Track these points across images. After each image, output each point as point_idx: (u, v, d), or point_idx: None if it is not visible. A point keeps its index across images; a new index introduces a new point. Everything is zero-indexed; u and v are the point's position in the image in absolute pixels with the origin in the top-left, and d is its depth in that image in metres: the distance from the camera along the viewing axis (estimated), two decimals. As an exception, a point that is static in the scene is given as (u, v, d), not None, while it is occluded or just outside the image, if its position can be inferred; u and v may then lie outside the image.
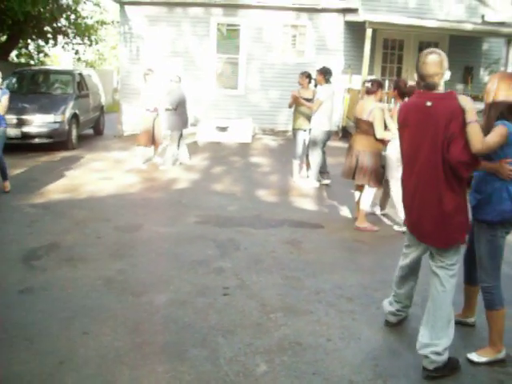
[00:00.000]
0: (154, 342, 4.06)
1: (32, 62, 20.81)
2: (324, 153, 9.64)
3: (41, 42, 20.33)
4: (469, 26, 14.59)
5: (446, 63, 3.73)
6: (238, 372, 3.69)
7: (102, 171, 10.42)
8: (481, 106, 4.13)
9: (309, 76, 9.74)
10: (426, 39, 16.26)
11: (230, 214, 7.73)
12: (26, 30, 18.57)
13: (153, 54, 15.71)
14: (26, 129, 11.95)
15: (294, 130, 9.89)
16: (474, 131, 3.54)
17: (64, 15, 19.46)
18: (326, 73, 9.22)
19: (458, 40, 15.91)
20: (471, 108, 3.58)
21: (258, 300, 4.82)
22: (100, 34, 23.70)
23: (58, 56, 32.26)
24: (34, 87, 13.99)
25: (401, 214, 6.71)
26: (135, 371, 3.67)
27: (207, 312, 4.56)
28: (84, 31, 20.84)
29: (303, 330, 4.30)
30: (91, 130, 15.70)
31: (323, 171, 9.74)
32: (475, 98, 10.17)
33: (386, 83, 16.06)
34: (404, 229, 5.72)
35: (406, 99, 6.28)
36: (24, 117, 11.96)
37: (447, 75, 3.76)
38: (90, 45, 21.97)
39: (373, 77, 14.10)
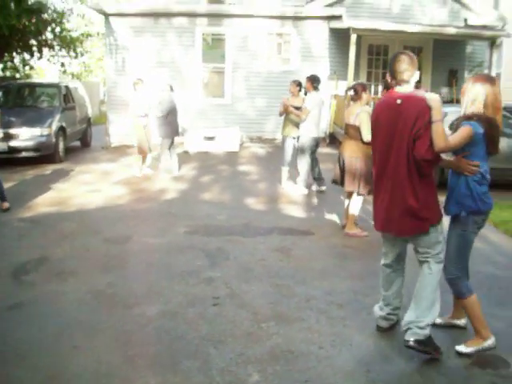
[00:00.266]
0: (145, 355, 4.04)
1: (17, 76, 20.74)
2: (317, 160, 9.67)
3: (26, 56, 20.24)
4: (452, 30, 14.72)
5: (415, 64, 4.01)
6: (231, 382, 3.68)
7: (90, 183, 10.39)
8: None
9: (299, 84, 9.79)
10: (411, 44, 16.37)
11: (219, 223, 7.73)
12: (11, 43, 18.52)
13: (139, 65, 15.70)
14: (12, 143, 11.91)
15: (283, 137, 9.92)
16: (438, 130, 3.73)
17: (49, 28, 19.42)
18: (313, 80, 9.27)
19: (442, 44, 16.06)
20: (437, 107, 3.76)
21: (249, 309, 4.82)
22: (85, 46, 23.65)
23: (44, 69, 32.17)
24: (19, 101, 13.93)
25: None
26: (127, 384, 3.66)
27: (198, 323, 4.55)
28: (69, 43, 20.79)
29: (295, 337, 4.30)
30: (78, 142, 15.66)
31: (319, 178, 9.75)
32: (459, 101, 10.23)
33: (372, 88, 16.17)
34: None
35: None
36: (10, 131, 11.91)
37: (416, 75, 4.00)
38: (76, 57, 21.91)
39: (357, 81, 14.18)
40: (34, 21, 17.63)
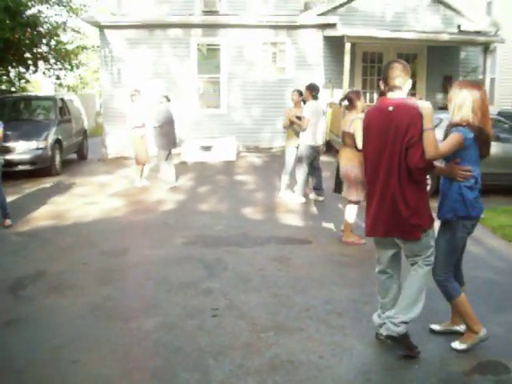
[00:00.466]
0: (144, 368, 4.02)
1: (13, 89, 20.74)
2: (319, 169, 9.67)
3: (21, 69, 20.24)
4: (446, 37, 14.79)
5: (408, 72, 4.05)
6: (230, 394, 3.66)
7: (87, 196, 10.38)
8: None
9: (301, 93, 9.81)
10: (405, 51, 16.44)
11: (216, 233, 7.72)
12: (6, 57, 18.54)
13: (134, 77, 15.71)
14: (8, 156, 11.87)
15: (286, 147, 10.01)
16: (429, 139, 3.77)
17: (44, 41, 19.44)
18: (312, 89, 9.30)
19: (436, 50, 16.12)
20: (429, 115, 3.80)
21: (248, 320, 4.80)
22: (81, 58, 23.65)
23: (39, 82, 32.19)
24: (15, 114, 13.93)
25: None
26: (126, 398, 3.64)
27: (197, 334, 4.52)
28: (65, 56, 20.80)
29: (295, 347, 4.28)
30: (75, 154, 15.65)
31: (318, 188, 9.75)
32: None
33: (367, 96, 16.22)
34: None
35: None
36: (6, 144, 11.88)
37: (409, 83, 4.04)
38: (71, 70, 21.91)
39: (350, 89, 14.20)
40: (28, 33, 17.63)
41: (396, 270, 4.32)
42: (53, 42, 19.82)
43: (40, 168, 12.35)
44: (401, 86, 3.99)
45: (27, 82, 21.25)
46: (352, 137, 6.96)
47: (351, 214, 7.17)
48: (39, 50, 19.27)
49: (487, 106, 4.07)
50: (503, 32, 16.51)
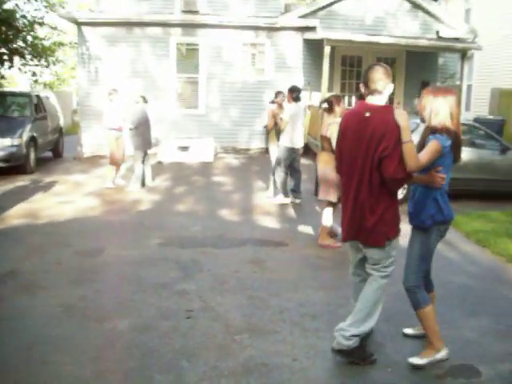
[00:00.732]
0: (117, 370, 3.98)
1: (-13, 85, 20.49)
2: (299, 172, 9.69)
3: (-4, 64, 19.98)
4: (424, 42, 14.93)
5: (390, 76, 3.98)
6: (204, 397, 3.64)
7: (61, 195, 10.25)
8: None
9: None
10: (384, 55, 16.52)
11: (192, 234, 7.69)
12: (-19, 52, 18.30)
13: (112, 75, 15.57)
14: (-18, 153, 11.72)
15: (269, 147, 10.10)
16: (409, 152, 3.72)
17: (20, 36, 19.20)
18: (293, 91, 9.32)
19: (415, 56, 16.26)
20: (406, 126, 3.74)
21: (222, 322, 4.78)
22: (58, 55, 23.39)
23: (15, 78, 31.76)
24: (-11, 110, 13.72)
25: None
26: (98, 401, 3.60)
27: (171, 336, 4.49)
28: (41, 53, 20.55)
29: (268, 350, 4.28)
30: (50, 152, 15.46)
31: (295, 190, 9.76)
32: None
33: (346, 99, 16.31)
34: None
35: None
36: (-20, 141, 11.72)
37: (390, 87, 3.96)
38: (48, 66, 21.65)
39: (332, 93, 14.27)
40: (3, 29, 17.39)
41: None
42: (29, 38, 19.57)
43: (14, 166, 12.16)
44: (381, 90, 3.91)
45: (2, 77, 20.93)
46: (329, 141, 7.00)
47: (328, 216, 7.19)
48: (15, 46, 18.99)
49: (460, 111, 4.11)
50: (481, 39, 16.73)
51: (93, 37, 15.72)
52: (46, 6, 20.24)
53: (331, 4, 16.13)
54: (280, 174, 9.46)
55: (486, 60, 18.65)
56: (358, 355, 4.06)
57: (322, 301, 5.31)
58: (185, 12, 16.10)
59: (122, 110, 10.89)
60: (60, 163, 14.77)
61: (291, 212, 9.17)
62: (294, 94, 9.29)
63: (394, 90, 16.50)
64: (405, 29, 16.37)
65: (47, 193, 10.44)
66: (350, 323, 4.04)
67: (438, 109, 3.93)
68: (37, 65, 20.85)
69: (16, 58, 19.78)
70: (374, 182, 3.85)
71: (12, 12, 17.64)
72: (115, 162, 10.92)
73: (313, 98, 15.73)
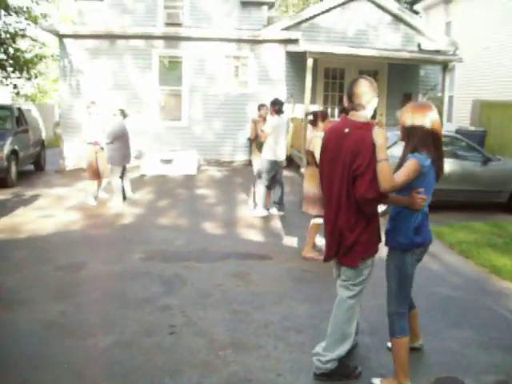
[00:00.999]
0: (98, 388, 3.91)
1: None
2: (282, 184, 9.68)
3: (-23, 77, 19.84)
4: (406, 54, 15.06)
5: (375, 90, 3.86)
6: (187, 415, 3.58)
7: (43, 208, 10.13)
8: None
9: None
10: (366, 68, 16.64)
11: (175, 248, 7.62)
12: (-38, 64, 18.19)
13: (94, 88, 15.52)
14: (-38, 167, 11.56)
15: (252, 160, 10.04)
16: (383, 171, 3.59)
17: (1, 49, 19.10)
18: (275, 104, 9.31)
19: (397, 68, 16.38)
20: (382, 145, 3.62)
21: (206, 337, 4.73)
22: (40, 67, 23.28)
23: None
24: (-30, 123, 13.57)
25: None
26: (78, 420, 3.53)
27: (154, 352, 4.43)
28: (23, 65, 20.44)
29: (252, 365, 4.24)
30: (32, 165, 15.31)
31: (279, 202, 9.74)
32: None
33: (329, 111, 16.37)
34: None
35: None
36: (-40, 154, 11.57)
37: (374, 101, 3.86)
38: (29, 79, 21.54)
39: (315, 106, 14.37)
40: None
41: None
42: (11, 50, 19.47)
43: (-5, 179, 12.03)
44: (365, 105, 3.81)
45: (-17, 90, 20.81)
46: (312, 154, 7.04)
47: (313, 230, 7.19)
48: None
49: (441, 126, 3.94)
50: (461, 51, 16.92)
51: (75, 49, 15.67)
52: (26, 19, 20.15)
53: (314, 17, 16.25)
54: (260, 187, 9.42)
55: (467, 72, 18.86)
56: (341, 373, 4.03)
57: (307, 314, 5.28)
58: (168, 25, 16.11)
59: (100, 123, 10.72)
60: (42, 176, 14.63)
61: (275, 225, 9.14)
62: (276, 106, 9.30)
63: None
64: (387, 41, 16.52)
65: (28, 207, 10.31)
66: (325, 347, 4.01)
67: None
68: (18, 77, 20.73)
69: (-3, 71, 19.69)
70: (351, 201, 3.76)
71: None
72: (94, 177, 10.72)
73: (296, 111, 15.78)
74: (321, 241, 7.76)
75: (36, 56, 21.76)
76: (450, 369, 4.25)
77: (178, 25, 16.13)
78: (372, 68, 16.67)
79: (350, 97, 3.87)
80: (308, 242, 7.24)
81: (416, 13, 22.74)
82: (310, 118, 7.33)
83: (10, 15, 19.50)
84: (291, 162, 15.50)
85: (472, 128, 15.92)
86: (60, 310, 5.32)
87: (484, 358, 4.49)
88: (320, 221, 7.15)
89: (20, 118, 14.15)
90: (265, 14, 16.85)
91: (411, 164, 3.67)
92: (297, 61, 15.80)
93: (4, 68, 19.67)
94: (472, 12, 19.20)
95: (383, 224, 3.96)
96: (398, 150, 4.01)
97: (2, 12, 18.89)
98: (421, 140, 3.74)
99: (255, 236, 8.37)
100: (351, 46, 15.40)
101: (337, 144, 3.85)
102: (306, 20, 16.22)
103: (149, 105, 15.97)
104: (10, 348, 4.51)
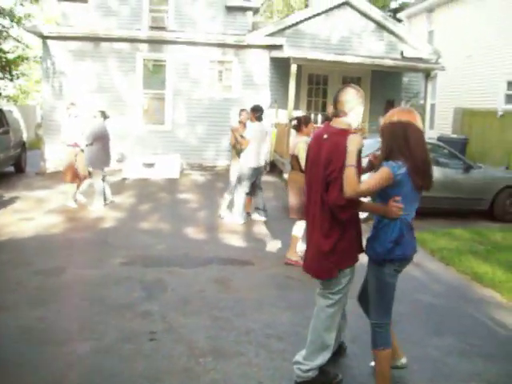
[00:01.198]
0: (76, 395, 3.85)
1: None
2: (261, 189, 9.64)
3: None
4: (389, 62, 15.16)
5: (359, 98, 3.84)
6: (166, 423, 3.54)
7: (22, 211, 9.99)
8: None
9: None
10: (350, 74, 16.75)
11: (157, 253, 7.56)
12: None
13: (77, 90, 15.40)
14: None
15: (231, 166, 9.91)
16: (348, 175, 3.55)
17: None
18: (256, 110, 9.26)
19: (380, 75, 16.47)
20: (352, 151, 3.60)
21: (186, 344, 4.68)
22: (22, 68, 23.09)
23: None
24: (-50, 124, 13.39)
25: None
26: (55, 429, 3.46)
27: (134, 359, 4.38)
28: (5, 66, 20.27)
29: (233, 373, 4.20)
30: (12, 167, 15.14)
31: (261, 208, 9.69)
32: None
33: (312, 117, 16.40)
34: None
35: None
36: None
37: (358, 110, 3.84)
38: (12, 80, 21.36)
39: (299, 111, 14.38)
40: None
41: None
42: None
43: (-26, 181, 11.87)
44: (347, 112, 3.80)
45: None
46: (296, 159, 7.08)
47: (299, 232, 7.19)
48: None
49: (421, 133, 3.73)
50: (444, 60, 17.08)
51: (59, 51, 15.54)
52: (12, 20, 19.99)
53: (298, 23, 16.30)
54: (241, 195, 9.33)
55: (449, 80, 19.03)
56: (322, 381, 4.01)
57: (289, 321, 5.25)
58: (152, 28, 16.08)
59: (80, 125, 10.58)
60: (22, 178, 14.46)
61: (257, 230, 9.11)
62: (258, 113, 9.25)
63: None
64: (370, 48, 16.61)
65: (8, 209, 10.17)
66: (305, 356, 3.98)
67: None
68: (1, 78, 20.55)
69: (-22, 72, 19.50)
70: (325, 207, 3.75)
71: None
72: (73, 179, 10.58)
73: (279, 116, 15.79)
74: (302, 246, 7.76)
75: (19, 57, 21.58)
76: (432, 377, 4.25)
77: (163, 28, 16.11)
78: (355, 75, 16.76)
79: (335, 104, 3.88)
80: (291, 245, 7.26)
81: (399, 21, 22.93)
82: (294, 123, 7.35)
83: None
84: (274, 168, 15.51)
85: (454, 136, 16.08)
86: (38, 315, 5.24)
87: (466, 366, 4.50)
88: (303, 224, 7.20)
89: (1, 120, 14.00)
90: (249, 19, 16.88)
91: (382, 172, 3.60)
92: (281, 66, 15.82)
93: (-15, 69, 19.51)
94: (454, 21, 19.41)
95: (367, 231, 3.93)
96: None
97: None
98: (396, 146, 3.64)
99: (238, 241, 8.33)
100: (335, 52, 15.47)
101: (316, 150, 3.87)
102: (291, 26, 16.26)
103: (132, 108, 15.89)
104: (-13, 354, 4.43)
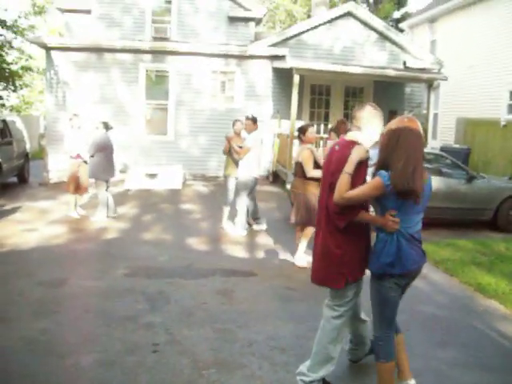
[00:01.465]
0: (79, 409, 3.84)
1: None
2: (255, 198, 9.63)
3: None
4: (392, 72, 15.16)
5: (375, 116, 3.95)
6: None
7: (25, 222, 10.00)
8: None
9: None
10: (352, 84, 16.80)
11: (160, 264, 7.55)
12: None
13: (81, 100, 15.47)
14: None
15: (226, 177, 9.81)
16: (340, 181, 3.65)
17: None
18: (255, 120, 9.29)
19: (382, 85, 16.49)
20: (352, 160, 3.68)
21: (190, 356, 4.66)
22: (25, 79, 23.19)
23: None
24: (-47, 135, 13.43)
25: None
26: None
27: (137, 372, 4.36)
28: (8, 77, 20.35)
29: (236, 385, 4.18)
30: (15, 178, 15.16)
31: (257, 217, 9.68)
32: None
33: (315, 127, 16.42)
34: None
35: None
36: None
37: (374, 128, 3.90)
38: (15, 90, 21.45)
39: (301, 121, 14.39)
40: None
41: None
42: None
43: (-23, 191, 11.88)
44: (361, 127, 3.92)
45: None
46: (301, 165, 7.33)
47: (303, 240, 7.46)
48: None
49: (415, 136, 3.65)
50: (446, 69, 17.10)
51: (62, 62, 15.63)
52: (15, 32, 20.12)
53: (301, 33, 16.35)
54: (244, 206, 9.29)
55: (452, 90, 19.07)
56: None
57: (292, 333, 5.22)
58: (155, 39, 16.16)
59: (83, 136, 10.60)
60: (25, 189, 14.48)
61: (260, 241, 9.09)
62: (257, 123, 9.29)
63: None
64: (373, 58, 16.65)
65: (10, 220, 10.18)
66: (309, 367, 4.00)
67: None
68: (4, 89, 20.63)
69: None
70: (327, 224, 3.89)
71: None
72: (75, 191, 10.60)
73: (282, 126, 15.81)
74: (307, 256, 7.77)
75: (22, 68, 21.68)
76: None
77: (166, 39, 16.19)
78: (358, 85, 16.81)
79: (352, 120, 4.04)
80: (298, 250, 7.50)
81: (401, 31, 23.02)
82: (296, 134, 7.69)
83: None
84: (277, 178, 15.52)
85: (456, 146, 16.08)
86: (41, 327, 5.22)
87: (470, 378, 4.47)
88: (311, 230, 7.30)
89: (4, 130, 14.03)
90: (252, 30, 16.96)
91: (372, 181, 3.64)
92: (283, 77, 15.85)
93: (-11, 79, 19.60)
94: (457, 31, 19.46)
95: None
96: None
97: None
98: (389, 156, 3.62)
99: (240, 252, 8.32)
100: (337, 62, 15.49)
101: (328, 160, 4.00)
102: (293, 36, 16.32)
103: (135, 118, 15.93)
104: (-11, 366, 4.42)
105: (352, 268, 3.86)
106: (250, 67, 16.25)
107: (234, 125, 9.87)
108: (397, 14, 31.81)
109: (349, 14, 16.46)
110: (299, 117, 15.54)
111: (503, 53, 16.62)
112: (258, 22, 18.61)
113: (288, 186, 10.36)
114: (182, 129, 16.15)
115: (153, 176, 14.58)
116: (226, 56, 16.10)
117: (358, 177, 3.69)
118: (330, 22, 16.46)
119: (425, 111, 16.61)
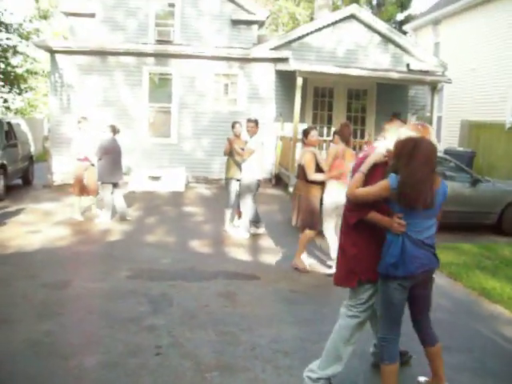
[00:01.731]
0: (81, 411, 3.83)
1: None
2: (255, 202, 9.61)
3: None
4: (395, 75, 15.16)
5: (400, 130, 3.94)
6: None
7: (29, 224, 10.02)
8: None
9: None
10: (355, 87, 16.80)
11: (162, 266, 7.55)
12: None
13: (84, 103, 15.50)
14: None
15: (227, 180, 9.79)
16: (354, 179, 3.87)
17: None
18: (257, 123, 9.29)
19: (386, 87, 16.48)
20: (368, 160, 3.87)
21: (192, 358, 4.65)
22: (30, 82, 23.26)
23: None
24: (-42, 137, 13.46)
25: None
26: None
27: (139, 374, 4.35)
28: (13, 80, 20.42)
29: (240, 389, 4.17)
30: (20, 180, 15.21)
31: (257, 220, 9.67)
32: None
33: (318, 129, 16.42)
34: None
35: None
36: None
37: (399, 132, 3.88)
38: (20, 93, 21.52)
39: (304, 124, 14.39)
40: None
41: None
42: (1, 65, 19.44)
43: (-18, 193, 11.91)
44: (386, 137, 4.12)
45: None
46: (303, 168, 7.36)
47: (303, 241, 7.47)
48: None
49: (428, 150, 3.71)
50: (450, 72, 17.07)
51: (66, 65, 15.67)
52: (20, 36, 20.19)
53: (304, 36, 16.37)
54: (249, 208, 9.29)
55: (456, 92, 19.04)
56: None
57: (296, 337, 5.21)
58: (158, 42, 16.20)
59: (91, 139, 10.64)
60: (30, 191, 14.52)
61: (263, 243, 9.09)
62: (258, 125, 9.30)
63: (365, 121, 16.77)
64: (376, 61, 16.64)
65: (15, 222, 10.20)
66: (318, 364, 4.04)
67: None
68: (9, 91, 20.69)
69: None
70: (346, 224, 4.07)
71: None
72: (80, 193, 10.63)
73: (285, 129, 15.82)
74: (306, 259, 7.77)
75: (27, 71, 21.75)
76: None
77: (169, 42, 16.24)
78: (361, 87, 16.81)
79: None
80: (298, 251, 7.49)
81: (405, 33, 22.99)
82: (300, 137, 7.74)
83: (1, 31, 19.52)
84: (279, 181, 15.51)
85: (461, 149, 16.03)
86: (45, 328, 5.23)
87: None
88: (311, 233, 7.42)
89: (9, 133, 14.10)
90: (255, 32, 16.98)
91: (381, 182, 3.73)
92: (286, 79, 15.86)
93: (-6, 82, 19.67)
94: (460, 33, 19.45)
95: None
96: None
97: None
98: (400, 163, 3.64)
99: (243, 255, 8.31)
100: (341, 65, 15.50)
101: (356, 165, 4.11)
102: (296, 39, 16.34)
103: (138, 121, 15.96)
104: (-8, 368, 4.42)
105: (364, 267, 3.90)
106: (252, 70, 16.27)
107: (233, 127, 9.85)
108: (400, 17, 31.83)
109: (352, 17, 16.48)
110: (302, 119, 15.53)
111: (508, 55, 16.59)
112: (261, 24, 18.64)
113: (291, 189, 10.35)
114: (185, 131, 16.17)
115: (156, 178, 14.59)
116: (229, 59, 16.12)
117: (371, 177, 3.82)
118: (333, 24, 16.48)
119: (428, 114, 16.58)
